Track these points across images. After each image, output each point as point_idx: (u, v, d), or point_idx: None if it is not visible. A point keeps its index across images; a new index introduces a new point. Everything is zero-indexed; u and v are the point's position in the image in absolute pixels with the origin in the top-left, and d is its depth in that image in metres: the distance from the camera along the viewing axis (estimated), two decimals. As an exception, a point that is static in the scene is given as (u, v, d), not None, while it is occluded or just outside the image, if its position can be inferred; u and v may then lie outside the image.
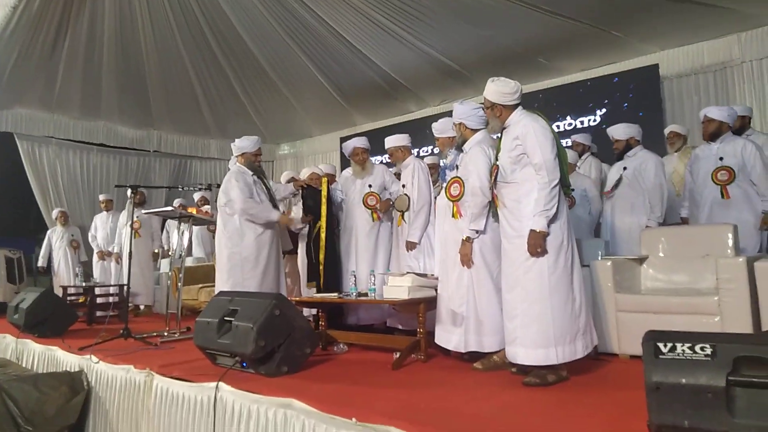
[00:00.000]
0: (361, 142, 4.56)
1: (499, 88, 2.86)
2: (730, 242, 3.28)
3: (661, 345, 1.78)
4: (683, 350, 1.74)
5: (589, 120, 6.82)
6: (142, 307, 6.99)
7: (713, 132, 4.03)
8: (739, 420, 1.60)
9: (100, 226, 7.40)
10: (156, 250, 7.09)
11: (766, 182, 3.84)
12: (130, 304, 6.22)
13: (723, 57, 6.04)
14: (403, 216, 4.26)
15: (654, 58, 6.42)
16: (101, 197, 7.60)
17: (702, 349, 1.72)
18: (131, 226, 4.82)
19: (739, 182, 3.89)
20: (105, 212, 7.46)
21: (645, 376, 1.76)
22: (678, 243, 3.51)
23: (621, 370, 2.98)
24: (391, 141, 4.36)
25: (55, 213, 7.80)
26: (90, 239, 7.50)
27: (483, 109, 3.07)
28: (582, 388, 2.62)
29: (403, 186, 4.28)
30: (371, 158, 4.75)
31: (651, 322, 2.83)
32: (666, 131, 5.27)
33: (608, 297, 3.25)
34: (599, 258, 3.66)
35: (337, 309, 4.19)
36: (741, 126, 4.71)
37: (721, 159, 3.97)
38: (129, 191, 4.59)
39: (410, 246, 4.16)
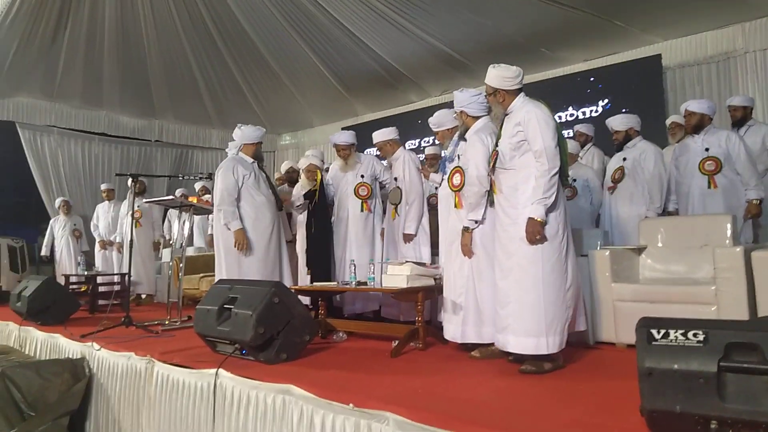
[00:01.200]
0: (341, 139, 4.50)
1: (500, 73, 2.85)
2: (728, 232, 3.28)
3: (654, 331, 1.79)
4: (676, 336, 1.75)
5: (591, 111, 6.79)
6: (143, 296, 7.02)
7: (696, 124, 4.10)
8: (729, 405, 1.61)
9: (101, 215, 7.41)
10: (157, 240, 7.12)
11: (750, 172, 3.90)
12: (131, 294, 6.26)
13: (726, 47, 6.00)
14: (396, 209, 4.28)
15: (656, 48, 6.38)
16: (103, 186, 7.61)
17: (695, 335, 1.73)
18: (132, 215, 4.84)
19: (724, 172, 3.95)
20: (107, 201, 7.48)
21: (638, 361, 1.77)
22: (676, 233, 3.51)
23: (617, 359, 2.98)
24: (379, 135, 4.38)
25: (57, 202, 7.82)
26: (92, 228, 7.51)
27: (485, 96, 3.04)
28: (577, 376, 2.64)
29: (395, 179, 4.30)
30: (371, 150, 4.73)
31: (648, 312, 2.78)
32: (667, 122, 5.25)
33: (605, 286, 3.26)
34: (598, 248, 3.67)
35: (332, 300, 4.22)
36: (743, 116, 4.70)
37: (706, 150, 4.02)
38: (130, 180, 4.60)
39: (407, 238, 4.19)
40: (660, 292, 3.09)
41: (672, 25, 6.06)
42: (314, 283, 4.03)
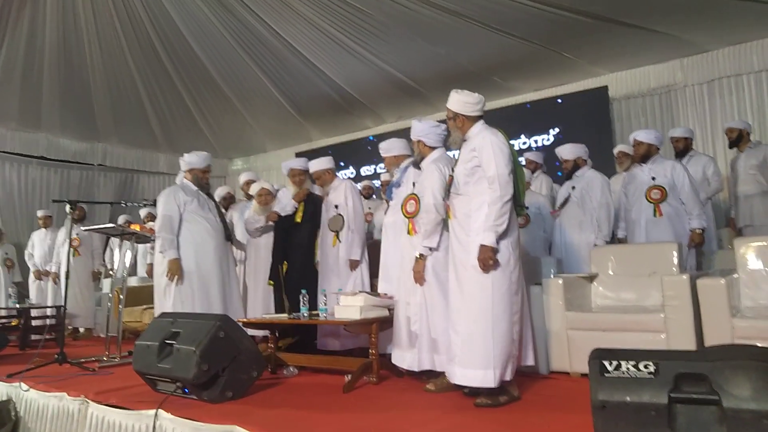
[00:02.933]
0: (297, 164, 4.57)
1: (462, 98, 2.86)
2: (675, 260, 3.36)
3: (606, 363, 1.80)
4: (628, 368, 1.76)
5: (543, 139, 6.97)
6: (81, 329, 6.61)
7: (644, 154, 4.23)
8: (680, 437, 1.60)
9: (37, 243, 7.00)
10: (97, 269, 6.74)
11: (693, 201, 4.03)
12: (68, 327, 5.88)
13: (667, 80, 6.32)
14: (337, 236, 4.23)
15: (603, 80, 6.65)
16: (39, 213, 7.18)
17: (645, 366, 1.74)
18: (70, 243, 4.57)
19: (669, 201, 4.08)
20: (43, 229, 7.08)
21: (591, 394, 1.77)
22: (626, 261, 3.57)
23: (572, 389, 2.97)
24: (317, 164, 4.38)
25: None
26: (27, 257, 7.05)
27: (446, 120, 3.01)
28: (532, 408, 2.60)
29: (336, 207, 4.28)
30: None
31: (601, 340, 2.84)
32: (615, 151, 5.43)
33: (559, 315, 3.26)
34: (551, 276, 3.69)
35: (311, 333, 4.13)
36: (684, 147, 4.91)
37: (653, 179, 4.16)
38: (68, 207, 4.35)
39: (354, 264, 4.18)
40: (611, 321, 3.11)
41: (617, 59, 6.33)
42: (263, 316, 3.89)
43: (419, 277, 3.15)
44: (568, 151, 4.65)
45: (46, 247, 6.90)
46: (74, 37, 6.65)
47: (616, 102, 6.62)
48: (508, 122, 6.89)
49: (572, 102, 6.75)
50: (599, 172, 4.59)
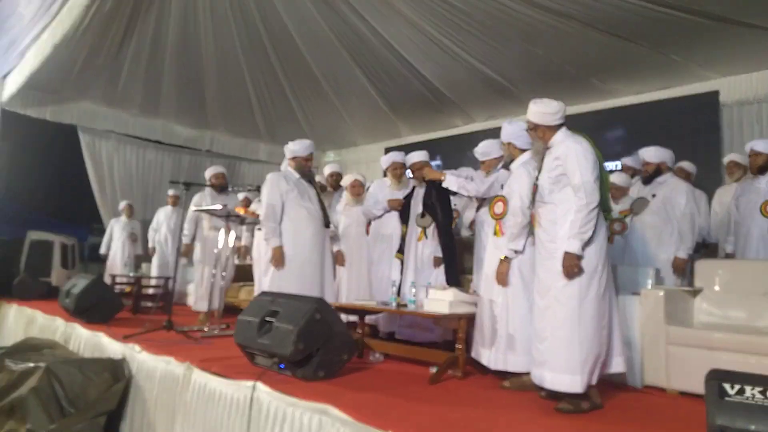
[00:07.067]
0: (400, 157, 4.67)
1: (540, 109, 2.85)
2: (794, 281, 3.11)
3: (727, 386, 1.69)
4: (753, 394, 1.65)
5: (643, 144, 6.61)
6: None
7: (761, 165, 3.96)
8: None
9: (163, 220, 7.55)
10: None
11: None
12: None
13: (788, 86, 5.78)
14: (424, 232, 4.28)
15: (714, 84, 6.18)
16: (170, 192, 7.73)
17: (774, 395, 1.63)
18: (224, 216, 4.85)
19: None
20: (170, 207, 7.61)
21: (708, 417, 1.67)
22: (735, 277, 3.34)
23: (667, 406, 2.84)
24: (416, 156, 4.41)
25: (121, 205, 8.10)
26: (150, 232, 7.61)
27: (527, 130, 3.05)
28: (622, 419, 2.53)
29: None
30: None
31: (706, 359, 2.71)
32: (725, 160, 5.07)
33: (658, 328, 3.12)
34: (649, 286, 3.54)
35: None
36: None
37: None
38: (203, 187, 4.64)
39: (438, 262, 4.22)
40: (719, 340, 2.92)
41: (731, 62, 5.87)
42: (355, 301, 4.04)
43: (502, 279, 3.17)
44: (652, 154, 4.34)
45: (172, 224, 7.40)
46: (193, 34, 7.14)
47: (727, 108, 6.13)
48: (606, 126, 6.66)
49: (678, 106, 6.35)
50: (685, 182, 4.30)
